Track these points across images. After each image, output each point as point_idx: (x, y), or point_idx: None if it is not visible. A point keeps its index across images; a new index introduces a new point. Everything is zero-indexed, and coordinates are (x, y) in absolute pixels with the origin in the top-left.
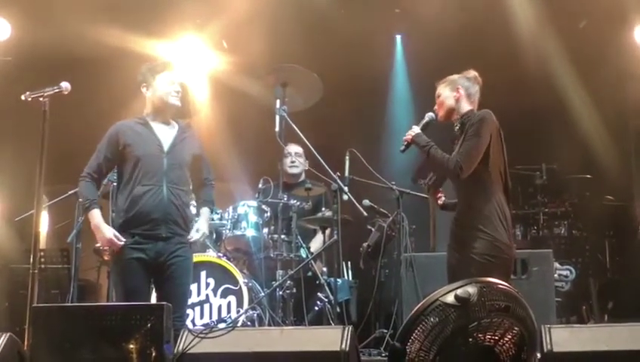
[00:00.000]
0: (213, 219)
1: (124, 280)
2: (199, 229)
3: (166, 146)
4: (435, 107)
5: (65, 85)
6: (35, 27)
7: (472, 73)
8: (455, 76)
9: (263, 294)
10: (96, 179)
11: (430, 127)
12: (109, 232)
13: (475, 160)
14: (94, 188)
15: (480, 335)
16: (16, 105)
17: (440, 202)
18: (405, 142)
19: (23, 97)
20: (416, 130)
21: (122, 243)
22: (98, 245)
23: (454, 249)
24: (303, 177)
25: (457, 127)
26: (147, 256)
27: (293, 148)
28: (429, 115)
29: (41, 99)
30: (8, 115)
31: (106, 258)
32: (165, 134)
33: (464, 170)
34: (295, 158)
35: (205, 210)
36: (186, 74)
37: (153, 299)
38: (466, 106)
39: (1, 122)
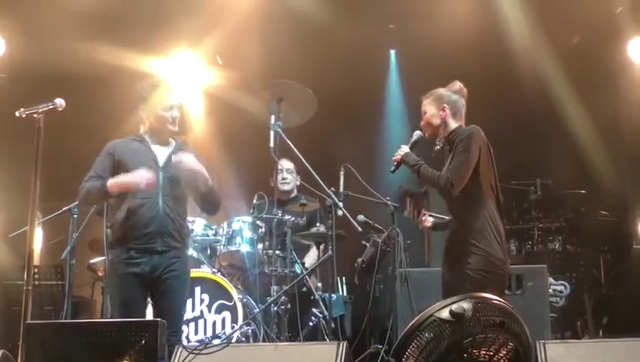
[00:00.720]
0: (207, 235)
1: (120, 295)
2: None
3: (161, 161)
4: (422, 123)
5: (59, 102)
6: (29, 44)
7: (457, 85)
8: (440, 91)
9: (257, 310)
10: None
11: (419, 144)
12: (140, 171)
13: (465, 175)
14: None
15: (475, 350)
16: (10, 122)
17: (428, 224)
18: (395, 162)
19: (17, 113)
20: (405, 149)
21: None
22: (92, 261)
23: (449, 264)
24: (295, 193)
25: (447, 147)
26: (142, 270)
27: (285, 164)
28: (418, 134)
29: (35, 115)
30: (2, 131)
31: (100, 274)
32: (161, 150)
33: (455, 187)
34: (286, 174)
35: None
36: (181, 90)
37: (149, 314)
38: (453, 124)
39: None
